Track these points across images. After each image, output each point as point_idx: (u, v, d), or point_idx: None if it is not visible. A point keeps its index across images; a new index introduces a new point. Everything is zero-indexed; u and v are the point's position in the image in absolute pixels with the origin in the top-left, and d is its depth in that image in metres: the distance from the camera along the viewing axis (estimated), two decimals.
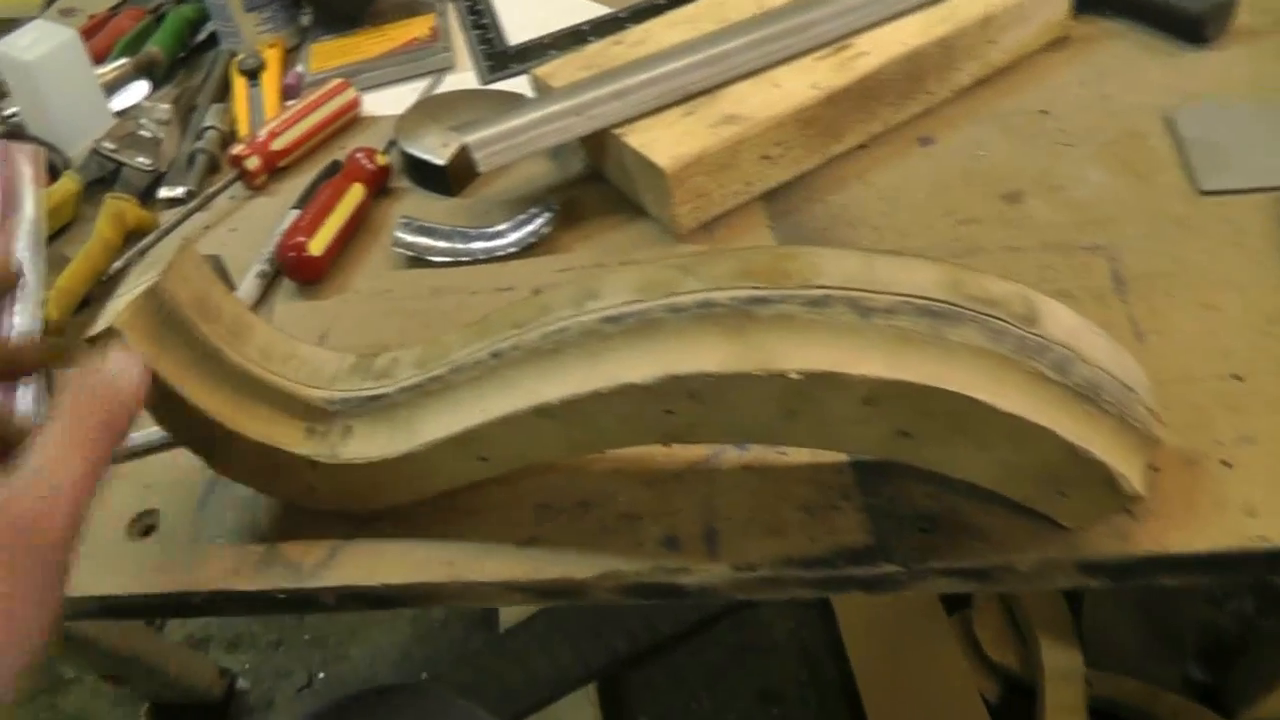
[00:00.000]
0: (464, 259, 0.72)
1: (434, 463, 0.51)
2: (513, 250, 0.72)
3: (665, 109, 0.72)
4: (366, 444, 0.52)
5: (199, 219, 0.83)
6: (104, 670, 1.41)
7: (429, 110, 0.84)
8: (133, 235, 0.81)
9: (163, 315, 0.48)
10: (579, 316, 0.46)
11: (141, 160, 0.86)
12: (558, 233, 0.73)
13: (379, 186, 0.80)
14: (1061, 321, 0.44)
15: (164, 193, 0.86)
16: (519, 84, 0.88)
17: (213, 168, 0.89)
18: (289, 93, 0.95)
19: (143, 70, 0.99)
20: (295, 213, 0.77)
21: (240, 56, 0.98)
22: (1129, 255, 0.63)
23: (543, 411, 0.46)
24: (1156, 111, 0.73)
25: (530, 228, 0.72)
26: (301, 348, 0.55)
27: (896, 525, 0.52)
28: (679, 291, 0.44)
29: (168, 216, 0.83)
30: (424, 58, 0.97)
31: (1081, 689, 1.19)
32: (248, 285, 0.73)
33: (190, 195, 0.85)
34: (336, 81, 0.90)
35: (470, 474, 0.53)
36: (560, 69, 0.79)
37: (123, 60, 0.99)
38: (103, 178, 0.87)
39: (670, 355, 0.44)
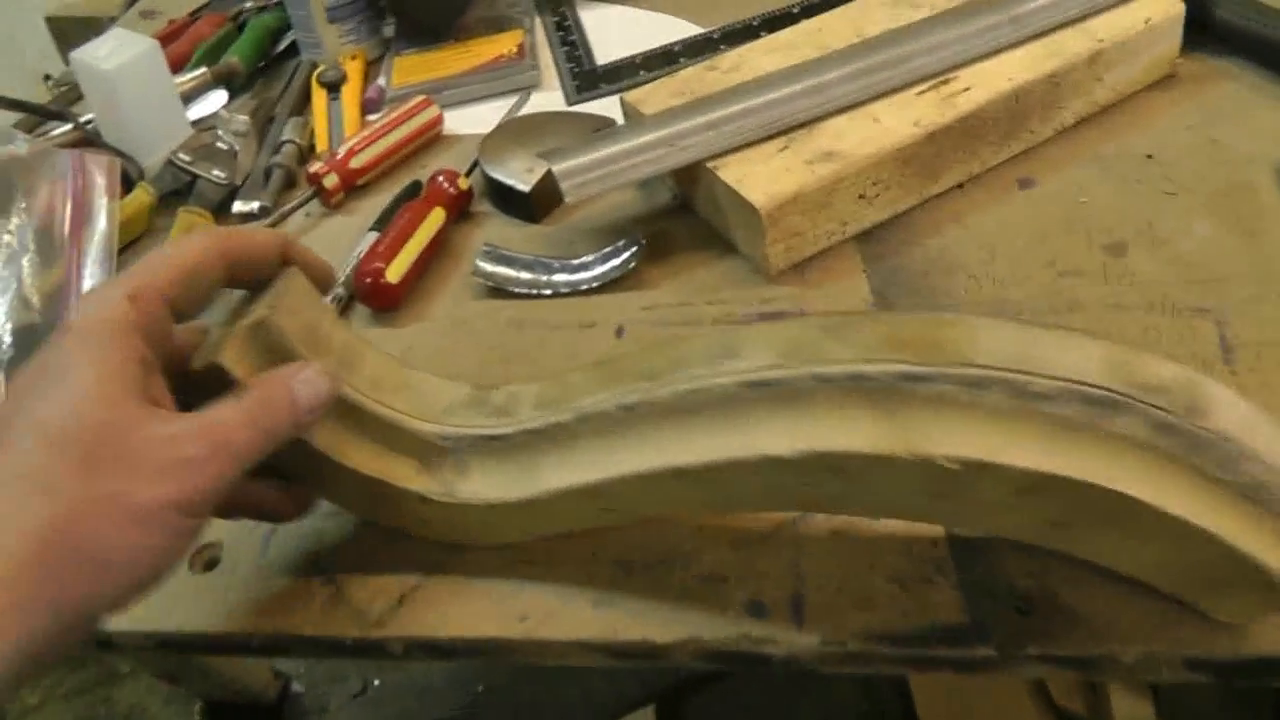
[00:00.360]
0: (545, 291, 0.71)
1: (556, 510, 0.50)
2: (596, 284, 0.70)
3: (760, 142, 0.70)
4: (484, 485, 0.51)
5: None
6: (159, 669, 1.41)
7: (514, 132, 0.82)
8: None
9: (269, 348, 0.47)
10: (717, 378, 0.44)
11: (217, 173, 0.85)
12: (643, 267, 0.71)
13: (460, 211, 0.79)
14: (1229, 413, 0.40)
15: (239, 207, 0.85)
16: (608, 105, 0.86)
17: (289, 183, 0.88)
18: (369, 107, 0.94)
19: (221, 80, 0.98)
20: (373, 235, 0.76)
21: (321, 68, 0.97)
22: (1238, 320, 0.60)
23: (678, 474, 0.45)
24: (1268, 162, 0.70)
25: (615, 262, 0.70)
26: (415, 376, 0.54)
27: (992, 604, 0.49)
28: (826, 360, 0.42)
29: None
30: (510, 75, 0.95)
31: (1149, 710, 1.16)
32: None
33: (265, 211, 0.84)
34: (419, 99, 0.88)
35: (593, 521, 0.52)
36: (651, 95, 0.77)
37: (201, 69, 0.98)
38: (177, 190, 0.86)
39: (815, 429, 0.42)
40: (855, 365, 0.41)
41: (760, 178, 0.67)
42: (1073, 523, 0.44)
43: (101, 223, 0.77)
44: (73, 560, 0.39)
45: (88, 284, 0.73)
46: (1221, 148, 0.72)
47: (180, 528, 0.42)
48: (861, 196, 0.68)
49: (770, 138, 0.70)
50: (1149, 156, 0.73)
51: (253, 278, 0.50)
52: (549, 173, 0.69)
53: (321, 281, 0.52)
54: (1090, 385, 0.40)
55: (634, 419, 0.46)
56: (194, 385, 0.46)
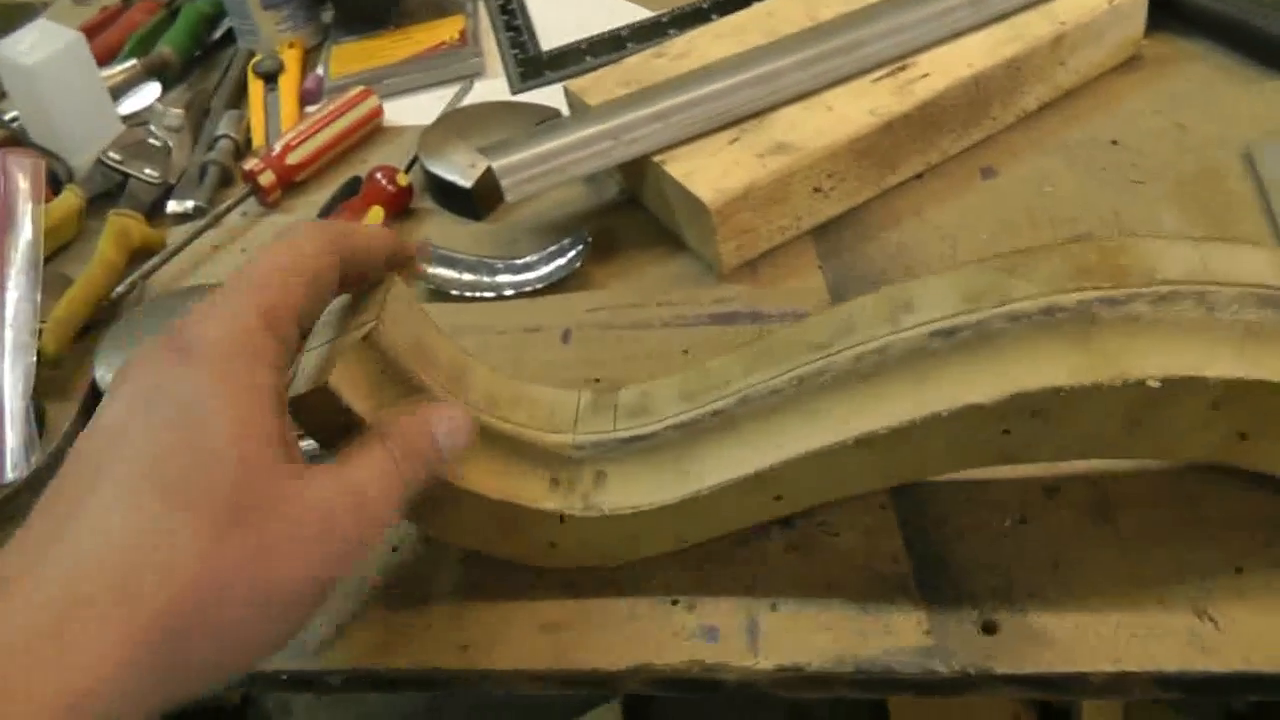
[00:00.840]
0: (488, 294, 0.68)
1: (716, 507, 0.46)
2: (541, 285, 0.67)
3: (710, 134, 0.67)
4: (628, 491, 0.47)
5: (209, 238, 0.78)
6: None
7: (456, 125, 0.79)
8: (138, 254, 0.77)
9: (382, 366, 0.43)
10: (899, 333, 0.42)
11: (149, 172, 0.82)
12: (590, 266, 0.68)
13: (400, 209, 0.76)
14: None
15: (173, 207, 0.81)
16: (553, 93, 0.83)
17: (225, 181, 0.84)
18: (308, 98, 0.91)
19: (153, 72, 0.94)
20: None
21: (258, 58, 0.93)
22: None
23: (864, 443, 0.42)
24: (1236, 147, 0.68)
25: (560, 261, 0.68)
26: (527, 388, 0.50)
27: (956, 624, 0.47)
28: (1014, 298, 0.40)
29: (176, 235, 0.78)
30: (452, 63, 0.92)
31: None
32: None
33: (200, 211, 0.80)
34: (358, 89, 0.85)
35: (757, 516, 0.48)
36: (597, 84, 0.74)
37: (132, 61, 0.94)
38: (108, 191, 0.82)
39: (1014, 370, 0.40)
40: (1048, 298, 0.40)
41: (710, 172, 0.64)
42: (1261, 432, 0.42)
43: (26, 229, 0.73)
44: (192, 649, 0.33)
45: (11, 296, 0.69)
46: (1188, 132, 0.70)
47: (314, 605, 0.37)
48: (816, 190, 0.65)
49: (720, 129, 0.67)
50: (1114, 142, 0.70)
51: (359, 284, 0.45)
52: (490, 168, 0.66)
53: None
54: (1270, 287, 0.39)
55: (807, 393, 0.44)
56: (293, 413, 0.42)
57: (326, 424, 0.42)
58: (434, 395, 0.45)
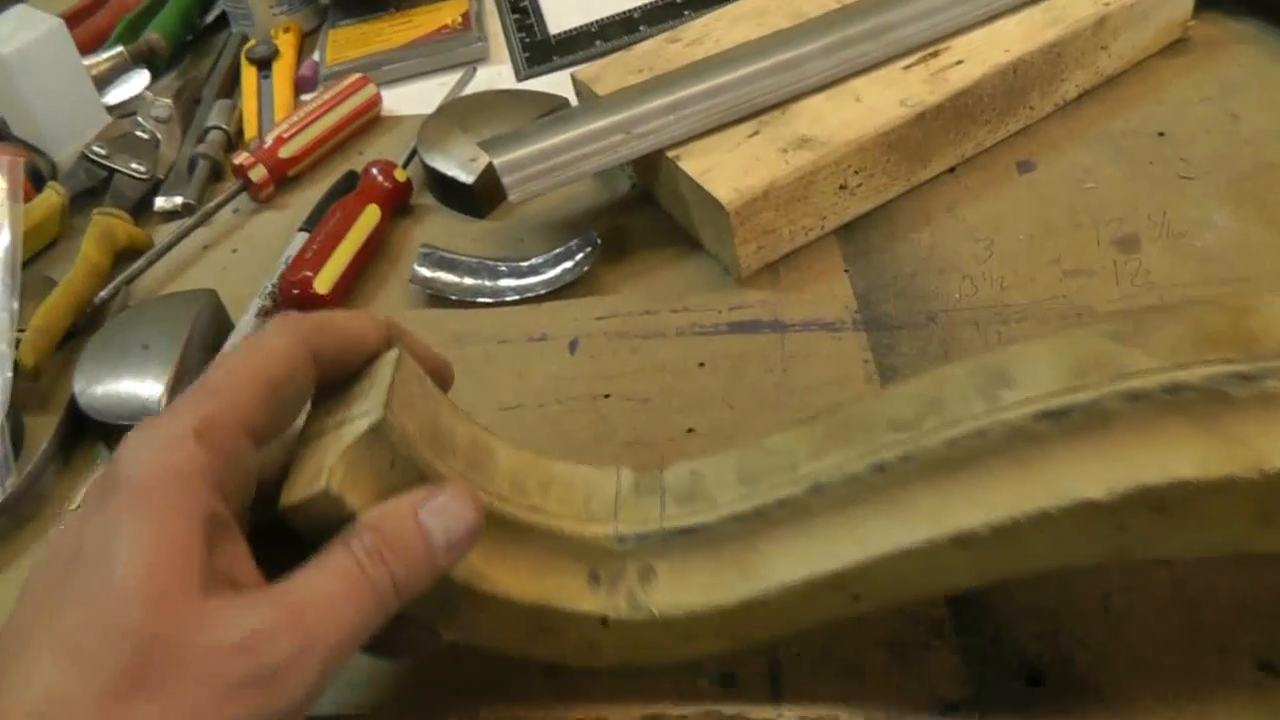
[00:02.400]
0: (490, 299, 0.63)
1: (785, 607, 0.40)
2: (546, 290, 0.63)
3: (728, 126, 0.63)
4: (681, 591, 0.41)
5: (198, 237, 0.75)
6: None
7: (457, 115, 0.74)
8: (124, 255, 0.73)
9: (391, 459, 0.37)
10: (998, 414, 0.36)
11: (136, 166, 0.78)
12: (599, 269, 0.64)
13: (398, 206, 0.72)
14: None
15: (160, 204, 0.77)
16: (561, 80, 0.79)
17: (216, 175, 0.80)
18: (304, 85, 0.87)
19: (141, 59, 0.90)
20: (303, 236, 0.68)
21: (251, 43, 0.89)
22: None
23: (960, 542, 0.36)
24: None
25: (568, 264, 0.63)
26: (558, 467, 0.44)
27: (997, 673, 0.43)
28: (1130, 372, 0.35)
29: (163, 233, 0.75)
30: (455, 48, 0.87)
31: None
32: (246, 325, 0.65)
33: (189, 208, 0.76)
34: (355, 77, 0.81)
35: (830, 614, 0.41)
36: (606, 71, 0.70)
37: (118, 48, 0.90)
38: (92, 187, 0.78)
39: (1133, 459, 0.34)
40: (1169, 374, 0.35)
41: (728, 169, 0.59)
42: None
43: (4, 231, 0.69)
44: None
45: None
46: (1241, 123, 0.65)
47: None
48: (842, 187, 0.61)
49: (739, 121, 0.63)
50: (1161, 134, 0.65)
51: (346, 374, 0.40)
52: (492, 164, 0.62)
53: (438, 378, 0.42)
54: None
55: (891, 481, 0.38)
56: (289, 526, 0.37)
57: (330, 530, 0.36)
58: None
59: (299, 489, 0.36)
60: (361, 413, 0.37)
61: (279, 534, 0.36)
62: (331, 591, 0.33)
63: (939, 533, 0.37)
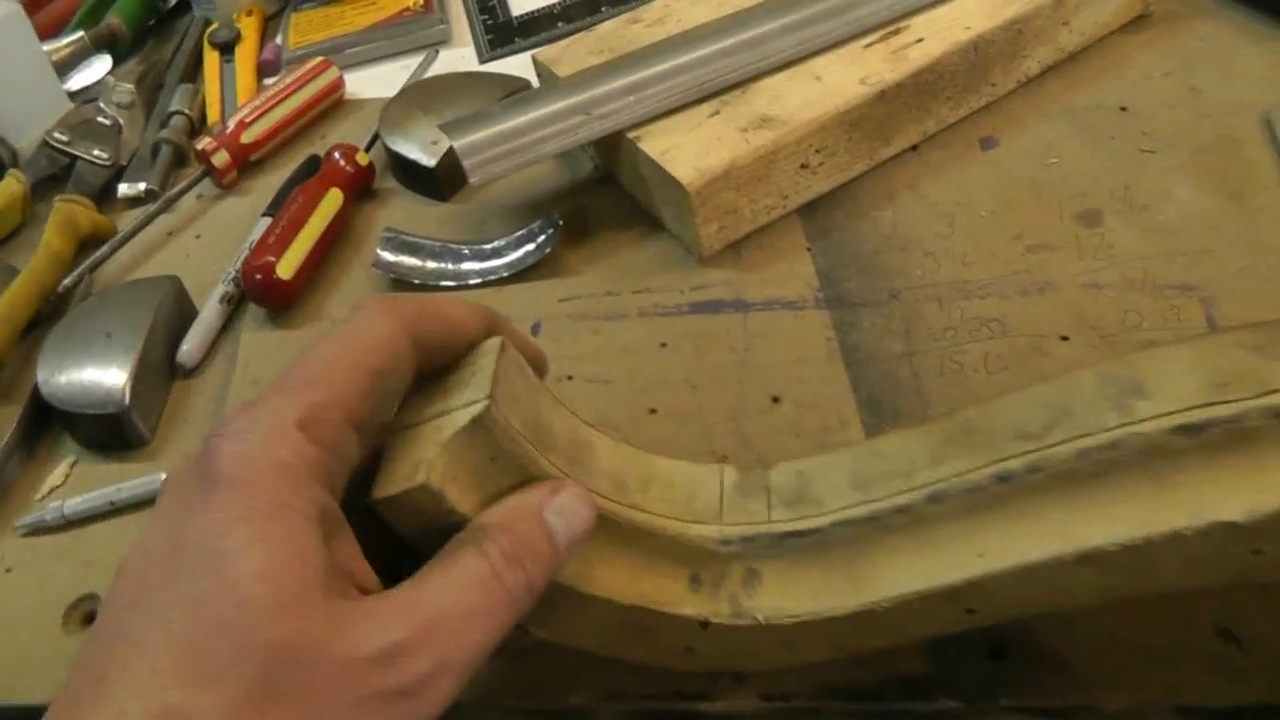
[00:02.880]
0: (453, 283, 0.63)
1: (892, 620, 0.38)
2: (509, 273, 0.63)
3: (688, 106, 0.63)
4: (786, 597, 0.39)
5: (162, 223, 0.74)
6: None
7: (419, 98, 0.74)
8: (88, 242, 0.72)
9: (492, 454, 0.35)
10: (1132, 425, 0.34)
11: (98, 153, 0.77)
12: (562, 250, 0.64)
13: (361, 189, 0.71)
14: None
15: (124, 190, 0.77)
16: (523, 62, 0.78)
17: (179, 160, 0.80)
18: (266, 70, 0.86)
19: (102, 44, 0.89)
20: (266, 221, 0.68)
21: (214, 27, 0.88)
22: (1226, 298, 0.54)
23: (1088, 559, 0.34)
24: (1254, 112, 0.63)
25: (529, 246, 0.63)
26: (659, 464, 0.42)
27: (960, 650, 0.43)
28: (1274, 387, 0.33)
29: (127, 220, 0.74)
30: (417, 31, 0.87)
31: None
32: (209, 312, 0.65)
33: (152, 194, 0.76)
34: (317, 60, 0.80)
35: (941, 628, 0.39)
36: (567, 53, 0.70)
37: (79, 33, 0.89)
38: (54, 174, 0.78)
39: (1274, 479, 0.32)
40: None
41: (688, 149, 0.59)
42: None
43: None
44: None
45: None
46: (1202, 97, 0.65)
47: None
48: (804, 166, 0.61)
49: (699, 101, 0.63)
50: (1123, 109, 0.65)
51: (446, 362, 0.38)
52: (453, 147, 0.61)
53: (535, 368, 0.40)
54: None
55: (1015, 492, 0.36)
56: (381, 517, 0.35)
57: (426, 525, 0.35)
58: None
59: (397, 481, 0.34)
60: (464, 403, 0.35)
61: (363, 522, 0.34)
62: (469, 603, 0.31)
63: (1065, 549, 0.35)
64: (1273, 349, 0.34)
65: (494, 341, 0.37)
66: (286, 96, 0.78)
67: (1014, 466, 0.36)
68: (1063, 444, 0.35)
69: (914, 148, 0.66)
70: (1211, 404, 0.33)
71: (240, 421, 0.31)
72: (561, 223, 0.63)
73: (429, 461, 0.33)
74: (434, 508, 0.34)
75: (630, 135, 0.61)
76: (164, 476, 0.56)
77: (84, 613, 0.53)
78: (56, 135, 0.78)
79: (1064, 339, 0.53)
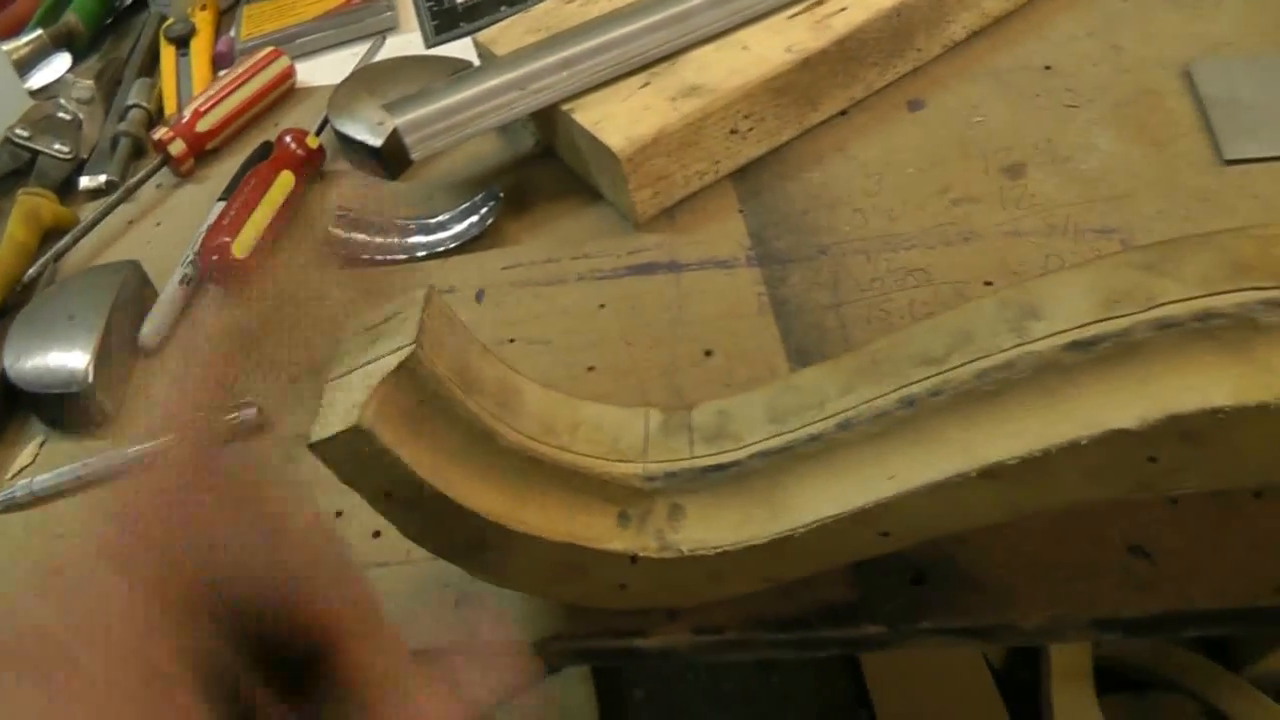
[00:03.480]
0: (401, 256, 0.65)
1: (810, 546, 0.39)
2: (454, 245, 0.65)
3: (620, 79, 0.65)
4: (709, 528, 0.40)
5: (123, 213, 0.76)
6: None
7: (366, 81, 0.76)
8: (51, 234, 0.74)
9: (420, 396, 0.37)
10: (1027, 344, 0.35)
11: (59, 147, 0.79)
12: (504, 221, 0.66)
13: (312, 171, 0.73)
14: None
15: (85, 183, 0.79)
16: (467, 46, 0.80)
17: (138, 152, 0.82)
18: (221, 61, 0.88)
19: (60, 42, 0.91)
20: (222, 205, 0.70)
21: (169, 22, 0.90)
22: (1145, 238, 0.55)
23: (990, 474, 0.36)
24: (1175, 66, 0.65)
25: (473, 219, 0.65)
26: (585, 408, 0.44)
27: (882, 577, 0.45)
28: (1161, 301, 0.34)
29: (88, 211, 0.76)
30: (365, 18, 0.89)
31: (1087, 648, 1.13)
32: (169, 293, 0.66)
33: (112, 185, 0.78)
34: (268, 50, 0.82)
35: (858, 553, 0.41)
36: (505, 33, 0.71)
37: (38, 32, 0.91)
38: (17, 169, 0.80)
39: (1165, 388, 0.33)
40: (1201, 302, 0.33)
41: (619, 119, 0.61)
42: None
43: None
44: None
45: None
46: (1125, 54, 0.67)
47: None
48: (733, 132, 0.63)
49: (630, 74, 0.65)
50: (1047, 68, 0.67)
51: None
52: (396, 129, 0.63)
53: None
54: None
55: (919, 415, 0.37)
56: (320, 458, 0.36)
57: (361, 469, 0.36)
58: (482, 425, 0.39)
59: (331, 425, 0.35)
60: (392, 349, 0.36)
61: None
62: None
63: (968, 465, 0.36)
64: (1162, 266, 0.35)
65: (420, 292, 0.39)
66: (239, 86, 0.80)
67: (917, 391, 0.37)
68: (962, 366, 0.36)
69: (843, 112, 0.68)
70: (1101, 320, 0.34)
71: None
72: (503, 195, 0.65)
73: (360, 404, 0.35)
74: (366, 449, 0.35)
75: (565, 108, 0.63)
76: (130, 451, 0.58)
77: None
78: (18, 131, 0.80)
79: (987, 284, 0.55)
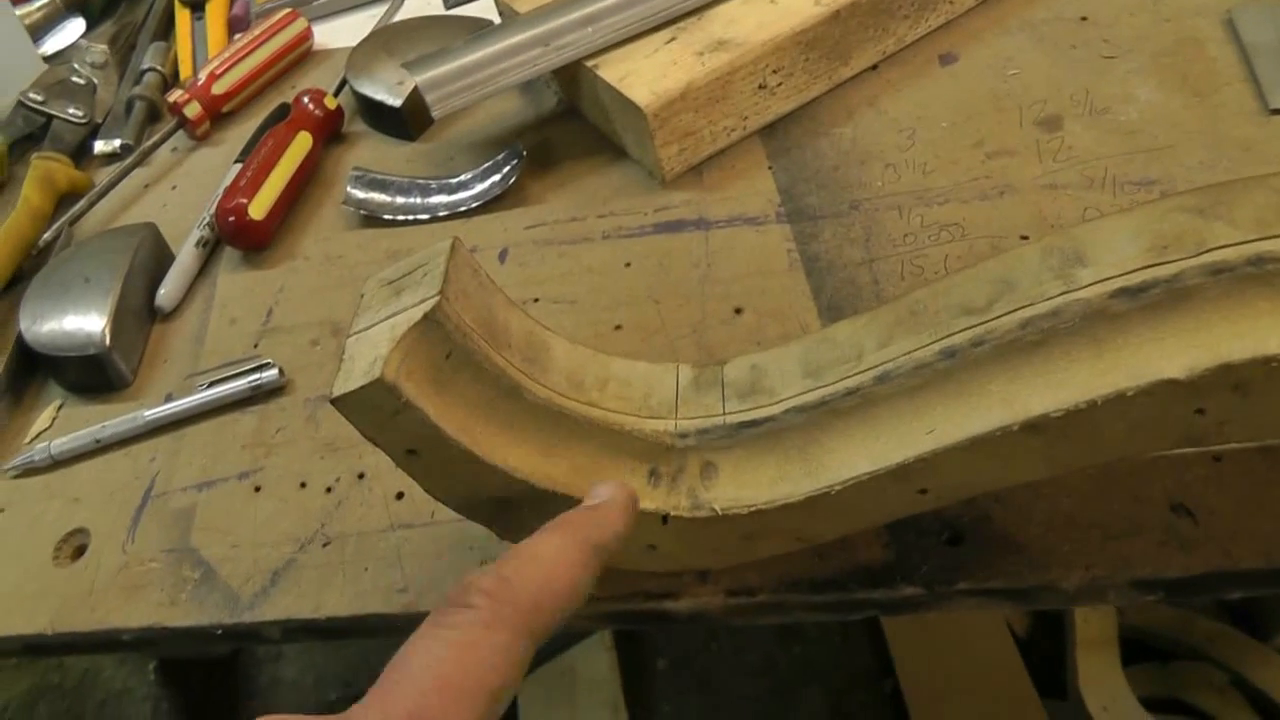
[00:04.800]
0: (423, 216, 0.64)
1: (846, 504, 0.38)
2: (476, 204, 0.63)
3: (645, 35, 0.63)
4: (743, 486, 0.39)
5: (138, 176, 0.75)
6: None
7: (385, 42, 0.75)
8: (66, 198, 0.73)
9: (447, 349, 0.36)
10: (1073, 292, 0.34)
11: (73, 111, 0.78)
12: (527, 180, 0.64)
13: (330, 133, 0.72)
14: None
15: (99, 147, 0.78)
16: (487, 5, 0.79)
17: (153, 116, 0.81)
18: (236, 25, 0.87)
19: (75, 6, 0.90)
20: (239, 168, 0.69)
21: None
22: (1187, 189, 0.54)
23: (1033, 428, 0.34)
24: (1216, 13, 0.63)
25: (495, 178, 0.64)
26: (616, 364, 0.42)
27: (918, 537, 0.44)
28: (1212, 245, 0.32)
29: (103, 175, 0.75)
30: None
31: (1113, 618, 1.13)
32: (185, 255, 0.65)
33: (127, 149, 0.77)
34: (285, 11, 0.81)
35: (896, 511, 0.39)
36: None
37: None
38: (31, 133, 0.79)
39: (1215, 336, 0.32)
40: (1254, 245, 0.32)
41: (645, 74, 0.60)
42: None
43: None
44: None
45: None
46: (1164, 2, 0.65)
47: None
48: (762, 87, 0.61)
49: (656, 29, 0.63)
50: (1083, 19, 0.66)
51: None
52: (418, 87, 0.62)
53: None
54: None
55: (961, 366, 0.35)
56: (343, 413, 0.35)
57: (384, 423, 0.35)
58: (509, 380, 0.38)
59: (355, 379, 0.34)
60: (416, 301, 0.35)
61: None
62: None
63: (1010, 419, 0.34)
64: (1213, 210, 0.33)
65: (445, 243, 0.38)
66: (256, 48, 0.78)
67: (958, 341, 0.36)
68: (1006, 315, 0.35)
69: (874, 67, 0.66)
70: (1150, 266, 0.33)
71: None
72: (525, 153, 0.64)
73: (384, 357, 0.34)
74: (391, 403, 0.34)
75: (589, 64, 0.62)
76: (146, 415, 0.58)
77: (74, 546, 0.54)
78: (32, 96, 0.79)
79: (1024, 238, 0.53)
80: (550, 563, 0.32)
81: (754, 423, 0.39)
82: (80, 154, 0.78)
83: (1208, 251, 0.32)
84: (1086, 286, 0.34)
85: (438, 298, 0.35)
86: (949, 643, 1.18)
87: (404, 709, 0.27)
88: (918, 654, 1.18)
